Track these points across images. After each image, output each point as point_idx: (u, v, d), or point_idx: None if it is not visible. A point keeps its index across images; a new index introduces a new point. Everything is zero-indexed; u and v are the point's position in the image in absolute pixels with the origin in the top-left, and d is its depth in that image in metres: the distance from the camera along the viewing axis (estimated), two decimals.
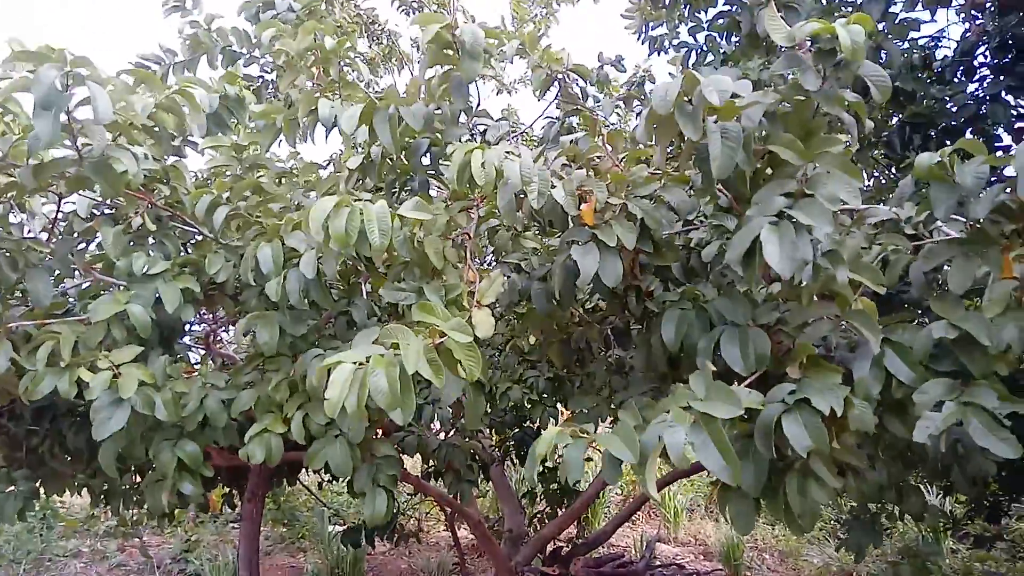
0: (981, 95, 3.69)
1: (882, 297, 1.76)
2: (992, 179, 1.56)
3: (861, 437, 1.70)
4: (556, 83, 2.80)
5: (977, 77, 3.90)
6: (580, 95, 2.78)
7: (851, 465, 2.03)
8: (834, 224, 1.45)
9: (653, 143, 1.84)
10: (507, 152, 1.94)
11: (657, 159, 1.81)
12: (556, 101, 2.80)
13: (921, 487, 3.90)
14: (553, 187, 1.91)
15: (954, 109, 3.70)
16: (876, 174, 4.74)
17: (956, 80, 3.84)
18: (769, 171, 1.73)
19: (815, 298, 1.67)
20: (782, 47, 1.73)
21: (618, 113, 4.05)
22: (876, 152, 4.34)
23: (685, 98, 1.62)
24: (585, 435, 1.60)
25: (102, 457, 2.35)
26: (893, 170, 4.40)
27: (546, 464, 4.98)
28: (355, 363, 1.52)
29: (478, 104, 2.54)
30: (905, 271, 1.83)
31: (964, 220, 1.67)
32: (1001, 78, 3.64)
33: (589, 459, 5.44)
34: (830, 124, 1.65)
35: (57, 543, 6.01)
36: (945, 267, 1.78)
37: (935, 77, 3.96)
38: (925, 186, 1.62)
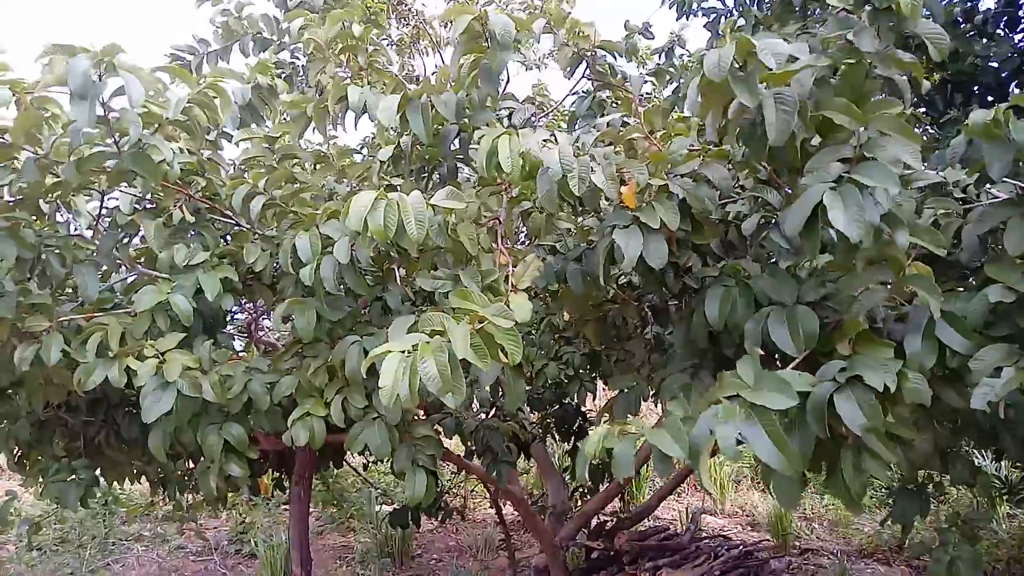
0: None
1: (928, 264, 1.71)
2: None
3: (916, 409, 1.66)
4: (584, 60, 2.75)
5: (1021, 28, 3.73)
6: (609, 70, 2.72)
7: (899, 436, 1.98)
8: (899, 186, 1.40)
9: (699, 116, 1.80)
10: (544, 140, 1.92)
11: (708, 130, 1.77)
12: (585, 76, 2.75)
13: (972, 454, 3.81)
14: (593, 172, 1.89)
15: (997, 64, 3.54)
16: (921, 134, 4.58)
17: (1000, 33, 3.68)
18: (816, 140, 1.67)
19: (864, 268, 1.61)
20: (828, 8, 1.66)
21: (652, 83, 3.96)
22: (917, 110, 4.19)
23: (737, 64, 1.58)
24: (633, 432, 1.59)
25: (152, 441, 2.44)
26: (934, 129, 4.25)
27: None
28: (403, 352, 1.53)
29: (507, 83, 2.52)
30: (956, 236, 1.76)
31: (1016, 183, 1.60)
32: None
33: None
34: (881, 88, 1.59)
35: (119, 528, 6.25)
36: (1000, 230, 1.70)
37: (978, 31, 3.80)
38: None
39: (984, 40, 3.69)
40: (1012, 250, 1.54)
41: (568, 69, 2.70)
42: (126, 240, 2.72)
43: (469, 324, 1.62)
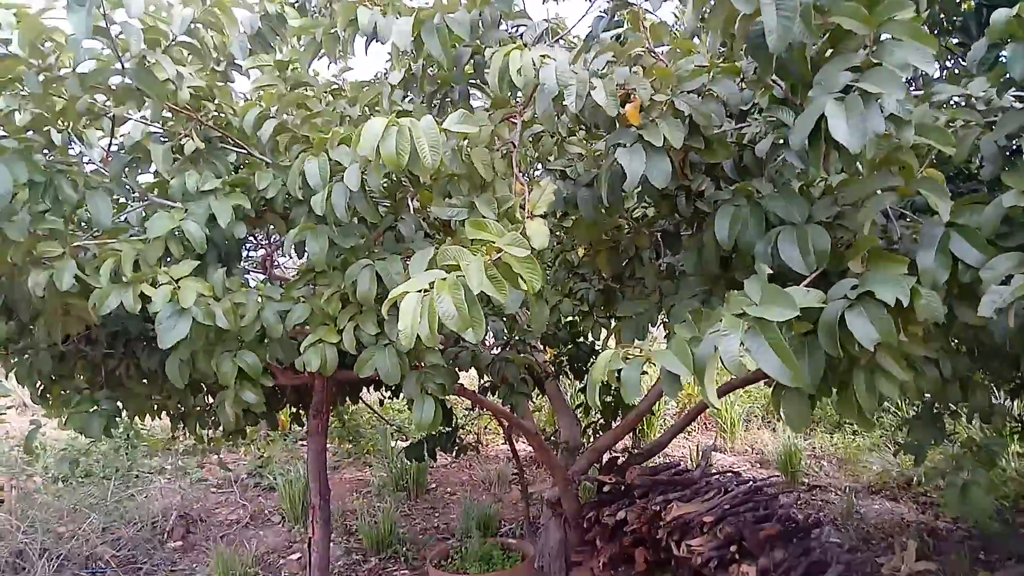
0: None
1: (953, 183, 1.67)
2: None
3: (929, 328, 1.65)
4: None
5: None
6: None
7: (913, 359, 1.97)
8: (906, 91, 1.36)
9: (703, 30, 1.75)
10: (542, 55, 1.88)
11: (709, 44, 1.72)
12: None
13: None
14: (593, 88, 1.84)
15: None
16: (950, 64, 4.42)
17: None
18: (830, 53, 1.62)
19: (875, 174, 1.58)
20: None
21: (675, 14, 3.84)
22: (949, 39, 4.04)
23: None
24: (640, 354, 1.60)
25: (169, 369, 2.48)
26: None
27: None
28: (420, 291, 1.53)
29: (523, 7, 2.45)
30: (977, 146, 1.71)
31: None
32: None
33: (644, 372, 5.48)
34: None
35: (142, 461, 6.45)
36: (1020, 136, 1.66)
37: None
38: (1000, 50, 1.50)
39: None
40: None
41: None
42: (136, 167, 2.71)
43: (485, 256, 1.61)
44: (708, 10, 1.63)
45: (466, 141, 2.07)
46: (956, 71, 4.34)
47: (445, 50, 2.15)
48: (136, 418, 3.43)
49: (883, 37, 1.46)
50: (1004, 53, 1.46)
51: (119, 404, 3.09)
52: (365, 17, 2.34)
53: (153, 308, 2.23)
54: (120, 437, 6.21)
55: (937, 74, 4.40)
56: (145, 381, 3.17)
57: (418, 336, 1.50)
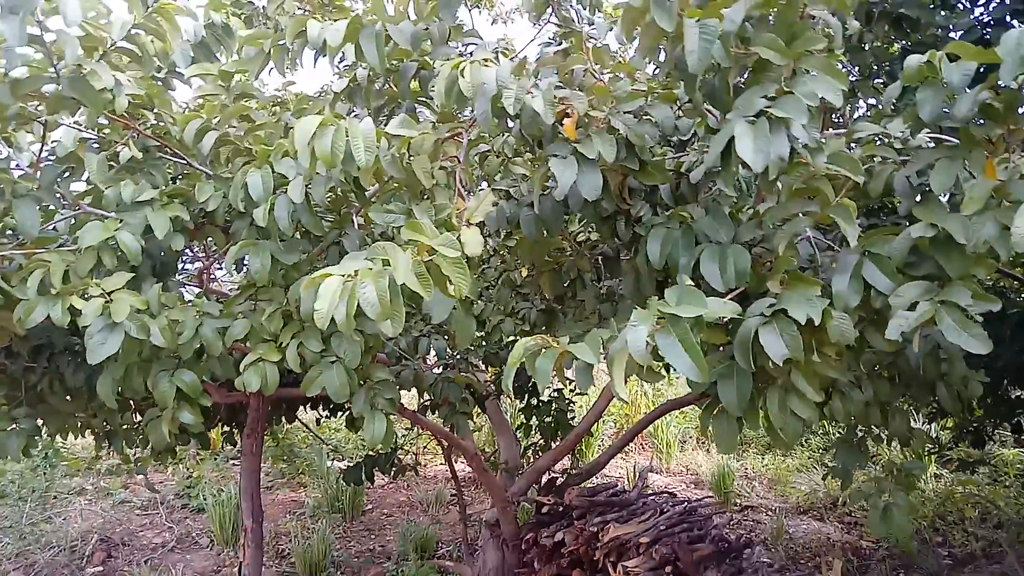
0: (986, 19, 3.63)
1: (870, 215, 1.77)
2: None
3: (842, 350, 1.73)
4: (551, 6, 2.73)
5: (982, 1, 3.83)
6: (576, 17, 2.72)
7: (836, 385, 2.07)
8: (811, 117, 1.45)
9: (626, 41, 1.82)
10: (484, 59, 1.91)
11: (636, 60, 1.79)
12: (550, 20, 2.74)
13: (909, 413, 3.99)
14: (532, 96, 1.87)
15: (958, 36, 3.64)
16: (877, 104, 4.69)
17: (961, 5, 3.77)
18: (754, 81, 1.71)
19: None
20: None
21: (621, 42, 3.96)
22: (877, 81, 4.28)
23: None
24: (555, 345, 1.65)
25: (101, 387, 2.38)
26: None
27: (541, 399, 5.07)
28: (343, 276, 1.53)
29: (473, 27, 2.49)
30: (891, 181, 1.83)
31: (947, 135, 1.67)
32: (1006, 1, 3.57)
33: (583, 394, 5.55)
34: (813, 28, 1.63)
35: (61, 481, 6.14)
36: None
37: (940, 2, 3.89)
38: (913, 93, 1.61)
39: (944, 12, 3.78)
40: (937, 188, 1.61)
41: (535, 14, 2.69)
42: (69, 176, 2.62)
43: (417, 254, 1.62)
44: (637, 33, 1.70)
45: (407, 149, 2.07)
46: (879, 107, 4.60)
47: (381, 59, 2.13)
48: (57, 436, 3.27)
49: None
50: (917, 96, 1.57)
51: (39, 422, 2.96)
52: (315, 31, 2.33)
53: (83, 322, 2.14)
54: (38, 456, 5.91)
55: (863, 110, 4.66)
56: (69, 398, 3.03)
57: (332, 319, 1.49)
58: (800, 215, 1.70)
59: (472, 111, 1.95)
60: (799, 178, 1.60)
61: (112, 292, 2.22)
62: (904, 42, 3.85)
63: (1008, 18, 3.53)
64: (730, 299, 1.65)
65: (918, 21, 3.68)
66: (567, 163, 1.88)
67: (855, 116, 4.26)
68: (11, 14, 1.73)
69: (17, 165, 2.67)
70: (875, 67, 4.01)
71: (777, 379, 1.72)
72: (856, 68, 3.79)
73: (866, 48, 3.49)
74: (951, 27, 3.68)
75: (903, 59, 3.73)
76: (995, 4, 3.69)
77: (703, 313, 1.47)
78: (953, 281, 1.53)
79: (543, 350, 1.64)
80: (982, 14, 3.72)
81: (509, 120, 1.97)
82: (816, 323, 1.54)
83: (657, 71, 1.92)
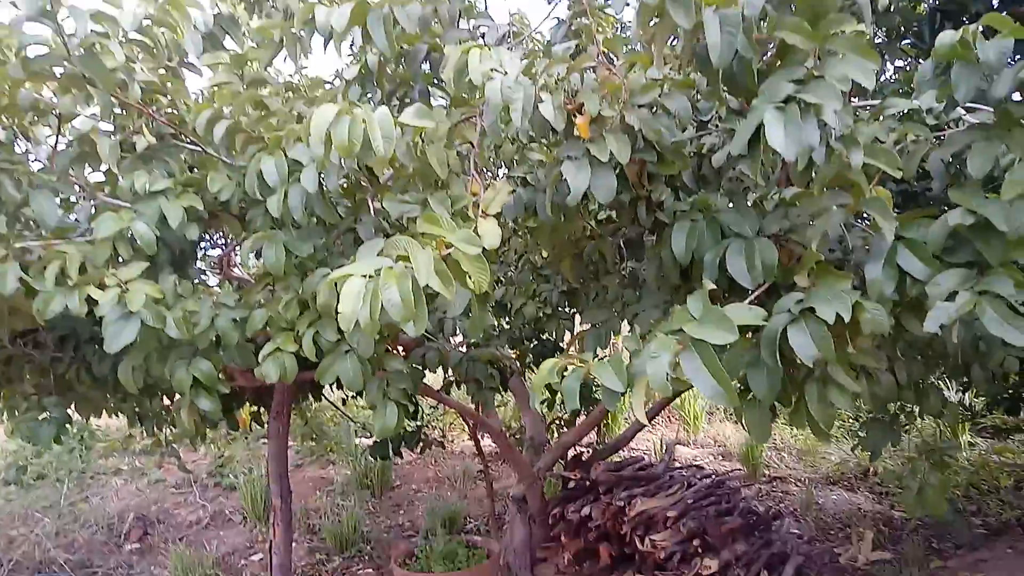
0: None
1: (905, 196, 1.69)
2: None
3: (877, 339, 1.67)
4: None
5: None
6: None
7: (868, 367, 2.01)
8: (843, 103, 1.37)
9: (651, 43, 1.73)
10: (492, 69, 1.84)
11: (655, 60, 1.71)
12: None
13: (941, 383, 3.90)
14: (541, 102, 1.81)
15: None
16: (905, 66, 4.51)
17: None
18: (778, 66, 1.63)
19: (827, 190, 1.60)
20: None
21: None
22: (904, 43, 4.11)
23: None
24: (582, 365, 1.62)
25: (121, 374, 2.41)
26: (922, 61, 4.18)
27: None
28: (365, 276, 1.50)
29: (485, 8, 2.41)
30: (925, 161, 1.74)
31: (987, 108, 1.58)
32: None
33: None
34: (841, 8, 1.54)
35: (97, 462, 6.30)
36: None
37: None
38: (948, 70, 1.52)
39: None
40: (975, 172, 1.52)
41: None
42: (86, 165, 2.62)
43: (435, 250, 1.59)
44: (654, 25, 1.62)
45: (422, 137, 2.03)
46: (908, 69, 4.42)
47: (390, 42, 2.07)
48: (91, 417, 3.33)
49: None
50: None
51: (71, 408, 3.00)
52: (323, 16, 2.28)
53: (99, 311, 2.16)
54: (74, 438, 6.06)
55: (891, 73, 4.49)
56: (96, 385, 3.07)
57: (357, 323, 1.47)
58: (835, 207, 1.61)
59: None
60: (832, 167, 1.51)
61: (128, 281, 2.23)
62: (932, 1, 3.69)
63: None
64: (757, 294, 1.60)
65: None
66: (579, 165, 1.82)
67: (881, 78, 4.10)
68: None
69: (35, 159, 2.68)
70: (903, 28, 3.84)
71: (814, 370, 1.67)
72: (884, 31, 3.64)
73: (892, 9, 3.34)
74: None
75: (931, 19, 3.58)
76: None
77: (732, 340, 1.42)
78: (993, 268, 1.46)
79: (569, 368, 1.61)
80: None
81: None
82: (846, 320, 1.48)
83: (670, 69, 1.83)
